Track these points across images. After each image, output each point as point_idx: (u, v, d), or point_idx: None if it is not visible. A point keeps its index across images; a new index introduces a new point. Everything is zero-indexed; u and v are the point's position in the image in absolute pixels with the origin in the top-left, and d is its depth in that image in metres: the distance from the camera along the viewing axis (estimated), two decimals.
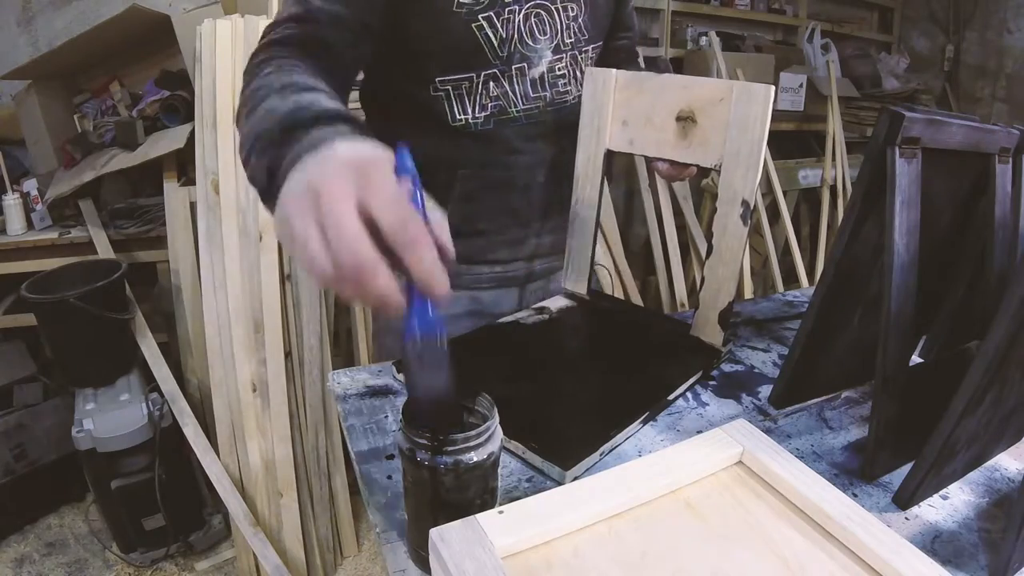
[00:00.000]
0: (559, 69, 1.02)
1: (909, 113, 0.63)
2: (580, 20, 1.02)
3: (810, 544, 0.54)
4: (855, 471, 0.73)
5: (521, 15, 0.96)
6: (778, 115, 3.18)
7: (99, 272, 1.88)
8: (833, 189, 3.10)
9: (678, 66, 3.15)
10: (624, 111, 0.98)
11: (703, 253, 2.56)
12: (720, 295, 0.95)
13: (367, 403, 0.83)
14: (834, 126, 3.08)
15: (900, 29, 4.13)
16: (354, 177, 0.47)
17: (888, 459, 0.73)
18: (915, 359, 0.93)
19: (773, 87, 0.82)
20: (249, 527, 1.80)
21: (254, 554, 1.82)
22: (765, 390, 0.88)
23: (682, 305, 2.48)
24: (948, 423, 0.63)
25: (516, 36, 0.96)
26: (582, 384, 0.88)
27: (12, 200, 2.04)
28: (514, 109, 1.00)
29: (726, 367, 0.93)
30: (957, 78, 3.85)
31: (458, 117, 0.98)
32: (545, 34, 0.99)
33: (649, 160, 1.00)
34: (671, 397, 0.85)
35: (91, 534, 2.05)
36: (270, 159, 0.59)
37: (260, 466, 1.84)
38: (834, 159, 3.08)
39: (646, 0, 3.06)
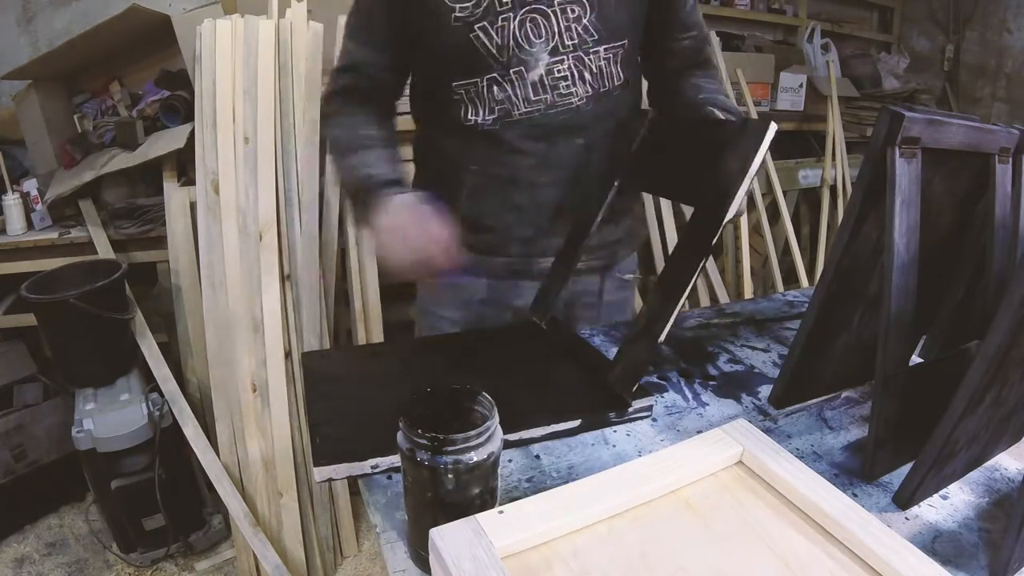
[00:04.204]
0: (559, 71, 1.04)
1: (909, 113, 0.63)
2: (585, 21, 1.03)
3: (810, 544, 0.54)
4: (855, 471, 0.73)
5: (516, 21, 1.01)
6: (778, 115, 3.17)
7: (99, 272, 1.88)
8: (833, 189, 3.10)
9: None
10: None
11: None
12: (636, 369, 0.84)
13: None
14: (834, 126, 3.08)
15: (900, 29, 4.13)
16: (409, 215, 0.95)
17: (888, 459, 0.73)
18: (915, 359, 0.93)
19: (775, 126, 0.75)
20: (249, 527, 1.80)
21: (254, 554, 1.82)
22: (765, 390, 0.88)
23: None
24: (948, 423, 0.63)
25: (512, 42, 1.01)
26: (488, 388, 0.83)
27: (12, 200, 2.04)
28: (517, 111, 1.05)
29: (726, 367, 0.93)
30: (957, 78, 3.84)
31: (469, 118, 1.07)
32: (540, 37, 1.02)
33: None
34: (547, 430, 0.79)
35: (91, 534, 2.05)
36: (355, 202, 1.06)
37: (260, 466, 1.84)
38: (834, 159, 3.08)
39: None
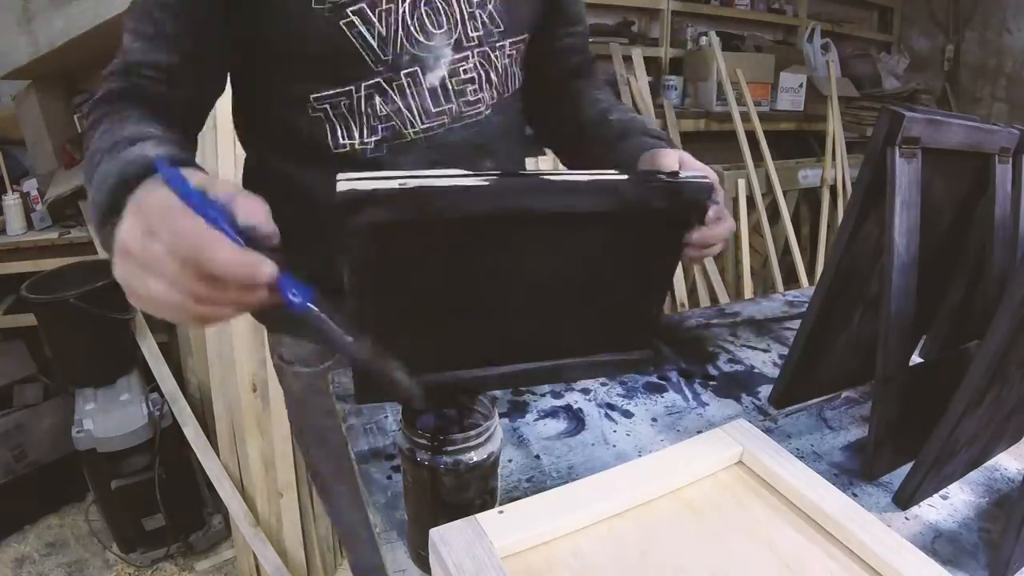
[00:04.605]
0: (464, 71, 0.81)
1: (909, 113, 0.63)
2: (491, 7, 0.81)
3: (810, 544, 0.54)
4: (855, 471, 0.73)
5: (407, 4, 0.75)
6: (778, 115, 3.18)
7: (99, 272, 1.88)
8: (833, 189, 3.10)
9: (678, 66, 3.15)
10: None
11: None
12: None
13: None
14: (834, 126, 3.09)
15: (900, 29, 4.13)
16: (141, 224, 0.48)
17: (888, 459, 0.73)
18: (915, 359, 0.93)
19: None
20: (249, 527, 1.80)
21: (254, 554, 1.82)
22: (765, 390, 0.88)
23: (682, 305, 2.48)
24: (948, 423, 0.63)
25: (402, 32, 0.75)
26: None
27: (12, 200, 2.04)
28: (411, 130, 0.80)
29: (726, 367, 0.93)
30: (957, 78, 3.85)
31: (342, 142, 0.79)
32: (441, 27, 0.78)
33: None
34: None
35: (91, 534, 2.05)
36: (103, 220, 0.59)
37: (260, 466, 1.84)
38: (834, 159, 3.08)
39: (648, 1, 3.06)
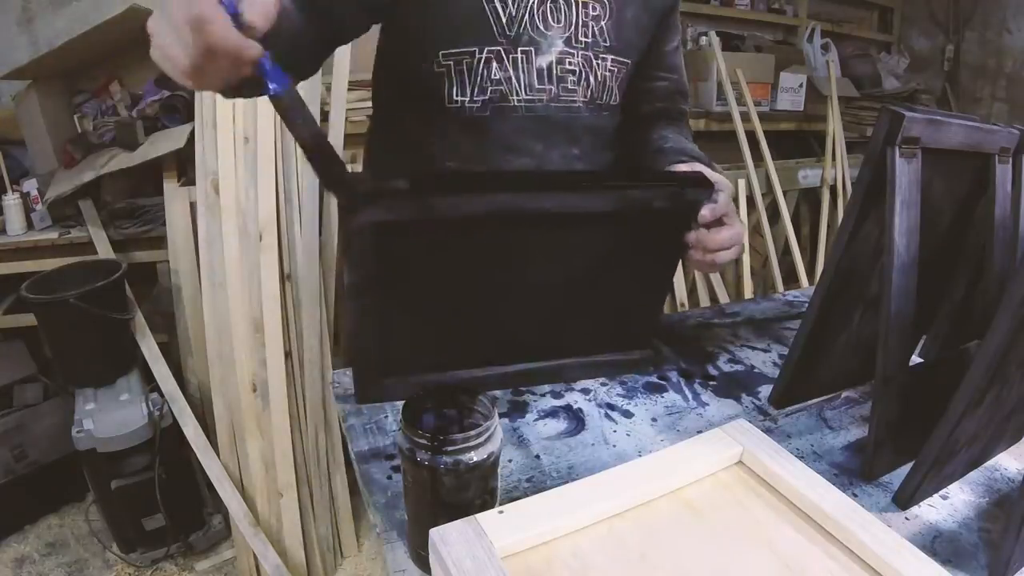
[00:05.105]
0: (569, 63, 0.94)
1: (909, 113, 0.63)
2: (603, 24, 0.95)
3: (810, 544, 0.54)
4: (855, 471, 0.73)
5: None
6: (778, 115, 3.17)
7: (99, 272, 1.88)
8: (833, 189, 3.10)
9: None
10: None
11: None
12: None
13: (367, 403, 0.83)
14: (834, 126, 3.08)
15: (900, 29, 4.13)
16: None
17: (888, 459, 0.73)
18: (915, 359, 0.93)
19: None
20: (249, 527, 1.80)
21: (254, 554, 1.82)
22: (765, 390, 0.88)
23: (682, 305, 2.48)
24: (948, 423, 0.63)
25: (527, 17, 0.89)
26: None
27: (12, 200, 2.04)
28: (515, 97, 0.92)
29: (726, 367, 0.93)
30: (957, 78, 3.84)
31: (455, 98, 0.92)
32: (560, 23, 0.92)
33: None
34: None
35: (91, 534, 2.05)
36: None
37: (260, 466, 1.84)
38: (834, 159, 3.08)
39: None
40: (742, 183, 2.76)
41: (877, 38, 4.11)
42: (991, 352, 0.60)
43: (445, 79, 0.91)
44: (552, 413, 0.81)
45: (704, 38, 3.04)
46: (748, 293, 2.68)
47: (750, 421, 0.72)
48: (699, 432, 0.77)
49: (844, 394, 0.88)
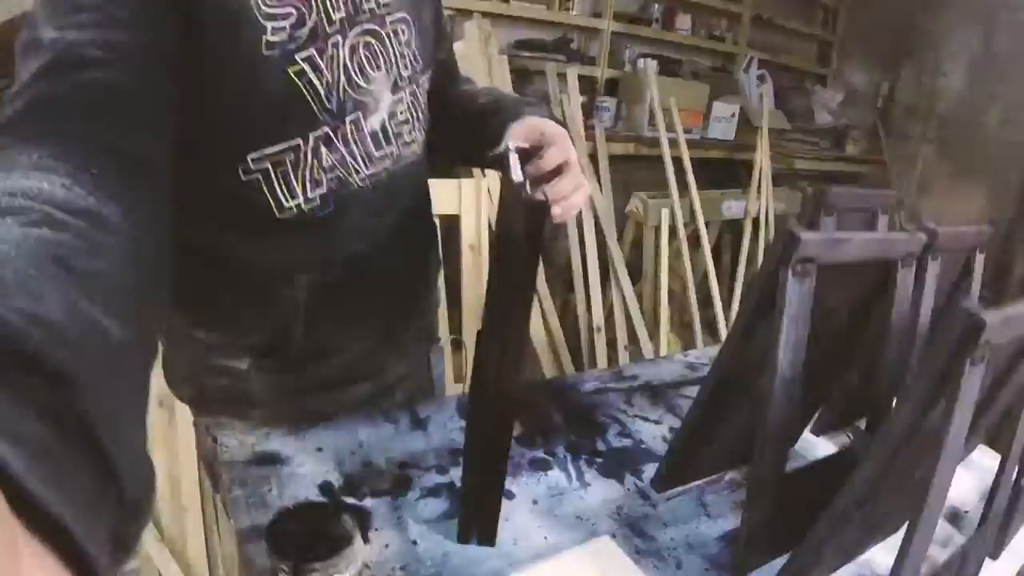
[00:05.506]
0: (400, 112, 0.79)
1: (805, 235, 0.63)
2: (414, 44, 0.80)
3: None
4: (727, 565, 0.74)
5: (347, 47, 0.70)
6: (709, 143, 3.22)
7: None
8: (756, 221, 3.17)
9: (613, 87, 3.15)
10: None
11: (622, 278, 2.58)
12: None
13: (253, 472, 0.78)
14: (762, 158, 3.15)
15: (838, 63, 4.25)
16: None
17: (759, 556, 0.74)
18: (807, 434, 0.96)
19: None
20: (153, 542, 1.74)
21: (158, 570, 1.76)
22: (650, 469, 0.87)
23: (598, 329, 2.49)
24: (815, 537, 0.64)
25: (343, 77, 0.71)
26: None
27: None
28: (356, 177, 0.76)
29: (615, 441, 0.92)
30: (890, 115, 3.95)
31: (286, 204, 0.71)
32: (379, 68, 0.75)
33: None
34: None
35: None
36: None
37: (165, 480, 1.77)
38: (759, 191, 3.15)
39: (588, 20, 3.05)
40: (665, 212, 2.79)
41: (815, 70, 4.23)
42: (861, 479, 0.61)
43: (264, 186, 0.69)
44: (434, 491, 0.78)
45: (641, 62, 3.05)
46: (665, 320, 2.71)
47: (630, 505, 0.71)
48: (578, 518, 0.76)
49: (728, 475, 0.89)
